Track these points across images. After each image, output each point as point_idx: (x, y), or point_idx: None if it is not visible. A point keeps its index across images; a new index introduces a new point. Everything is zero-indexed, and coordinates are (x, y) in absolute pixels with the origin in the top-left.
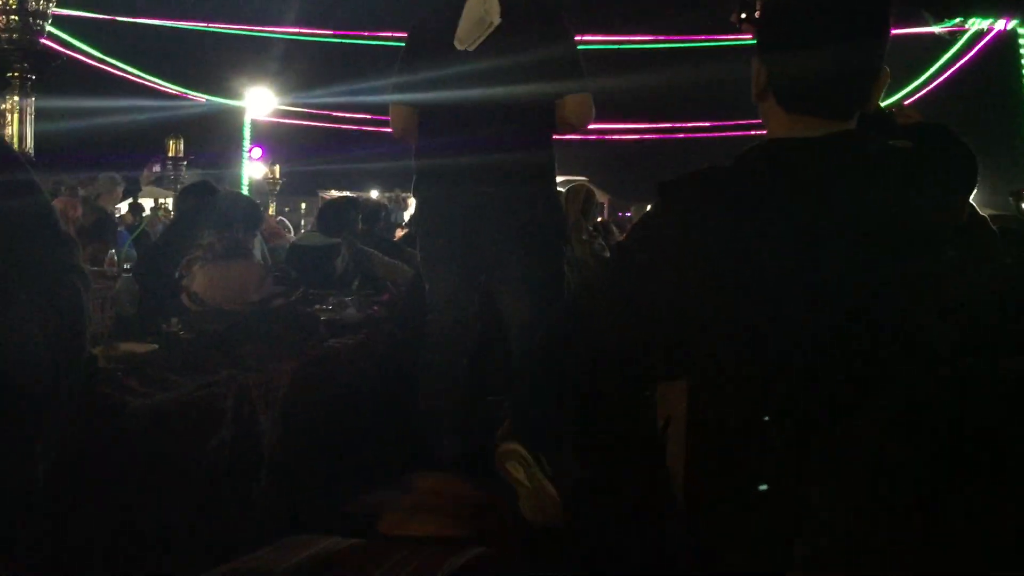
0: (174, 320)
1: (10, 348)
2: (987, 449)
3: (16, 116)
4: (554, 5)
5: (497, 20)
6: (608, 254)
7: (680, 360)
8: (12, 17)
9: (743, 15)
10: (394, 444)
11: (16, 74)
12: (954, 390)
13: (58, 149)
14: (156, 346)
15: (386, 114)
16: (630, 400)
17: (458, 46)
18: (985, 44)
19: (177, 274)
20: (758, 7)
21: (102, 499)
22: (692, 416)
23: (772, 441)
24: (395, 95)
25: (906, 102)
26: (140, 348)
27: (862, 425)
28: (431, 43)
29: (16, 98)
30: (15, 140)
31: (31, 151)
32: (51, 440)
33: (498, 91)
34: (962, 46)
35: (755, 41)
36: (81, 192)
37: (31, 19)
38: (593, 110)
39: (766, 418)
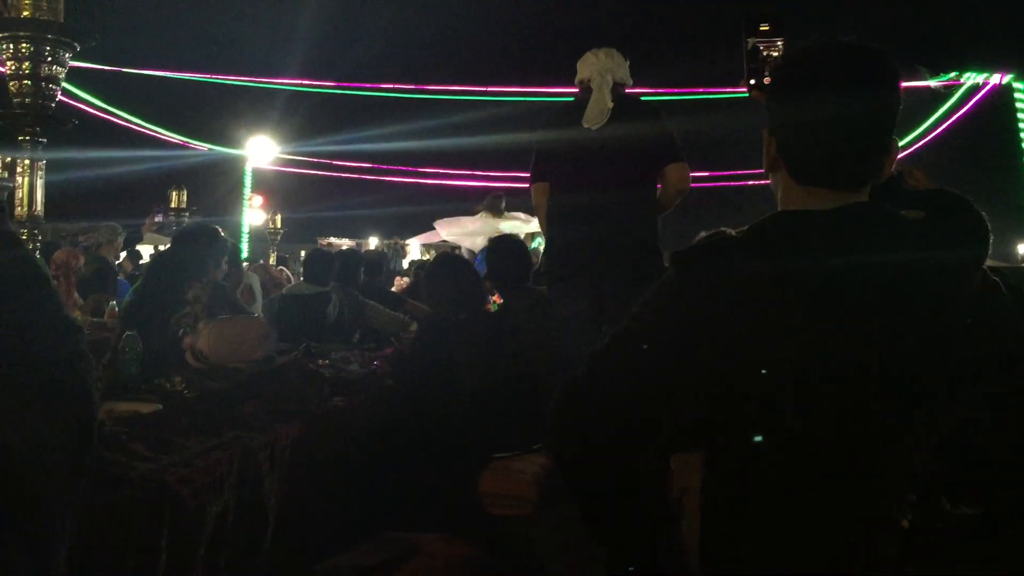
0: (177, 379)
1: (18, 451)
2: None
3: (27, 177)
4: (654, 102)
5: (610, 105)
6: None
7: (695, 432)
8: (25, 82)
9: (752, 81)
10: (403, 503)
11: (27, 136)
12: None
13: (61, 199)
14: (160, 405)
15: (386, 162)
16: (643, 469)
17: (585, 124)
18: (981, 98)
19: (180, 331)
20: (767, 76)
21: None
22: (707, 489)
23: (791, 515)
24: (536, 179)
25: (903, 153)
26: (144, 408)
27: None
28: (565, 126)
29: (27, 161)
30: (25, 199)
31: (41, 211)
32: (63, 541)
33: (616, 157)
34: (958, 99)
35: (766, 111)
36: (81, 242)
37: (44, 83)
38: (689, 176)
39: (785, 491)
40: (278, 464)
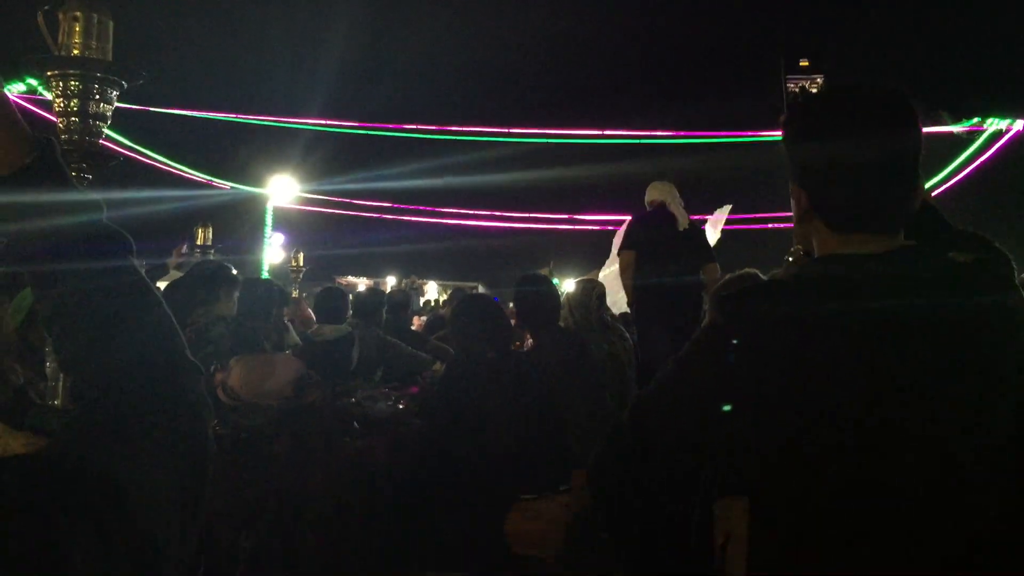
0: None
1: (141, 501)
2: None
3: None
4: (699, 224)
5: (687, 221)
6: (629, 343)
7: (741, 475)
8: (73, 119)
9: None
10: (429, 542)
11: (73, 174)
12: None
13: None
14: None
15: (405, 201)
16: (686, 513)
17: (680, 229)
18: (1004, 144)
19: (212, 368)
20: (786, 132)
21: None
22: (754, 535)
23: (848, 566)
24: (628, 247)
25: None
26: None
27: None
28: (661, 225)
29: None
30: None
31: None
32: None
33: (688, 250)
34: (981, 145)
35: (788, 162)
36: None
37: (92, 120)
38: (719, 272)
39: (840, 538)
40: (310, 502)
